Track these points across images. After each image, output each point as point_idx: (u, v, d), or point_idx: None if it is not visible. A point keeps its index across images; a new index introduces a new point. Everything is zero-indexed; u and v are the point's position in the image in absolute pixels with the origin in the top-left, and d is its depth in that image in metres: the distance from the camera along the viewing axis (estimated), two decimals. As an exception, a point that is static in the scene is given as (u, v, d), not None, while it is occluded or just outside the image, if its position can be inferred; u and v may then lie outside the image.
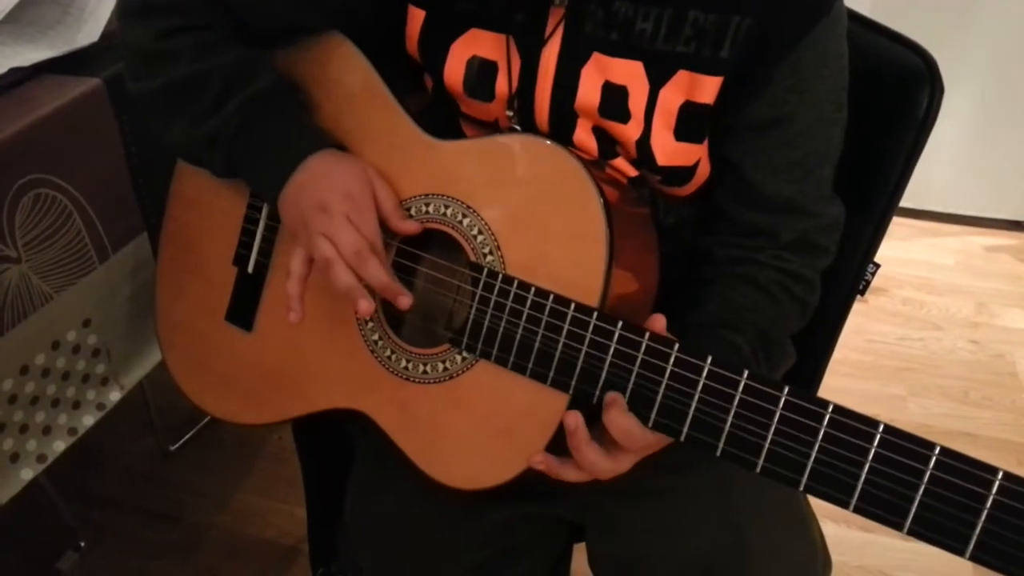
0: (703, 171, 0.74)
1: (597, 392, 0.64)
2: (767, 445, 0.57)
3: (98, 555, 1.40)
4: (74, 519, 1.42)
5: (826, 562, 0.77)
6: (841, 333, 0.89)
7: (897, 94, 0.78)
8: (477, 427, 0.70)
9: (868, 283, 0.84)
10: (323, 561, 1.14)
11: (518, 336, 0.67)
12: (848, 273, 0.83)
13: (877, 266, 0.84)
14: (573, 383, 0.65)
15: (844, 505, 0.55)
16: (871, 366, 1.85)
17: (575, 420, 0.63)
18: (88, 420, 0.99)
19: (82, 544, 1.40)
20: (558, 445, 0.66)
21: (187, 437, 1.59)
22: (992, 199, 2.26)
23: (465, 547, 0.79)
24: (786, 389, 0.57)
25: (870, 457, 0.54)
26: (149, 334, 1.03)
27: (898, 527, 0.54)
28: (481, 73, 0.74)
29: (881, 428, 0.54)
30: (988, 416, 1.73)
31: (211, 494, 1.51)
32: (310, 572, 1.26)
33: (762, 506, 0.74)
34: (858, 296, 0.85)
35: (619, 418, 0.62)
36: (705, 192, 0.76)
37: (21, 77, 0.94)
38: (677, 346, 0.60)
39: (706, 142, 0.72)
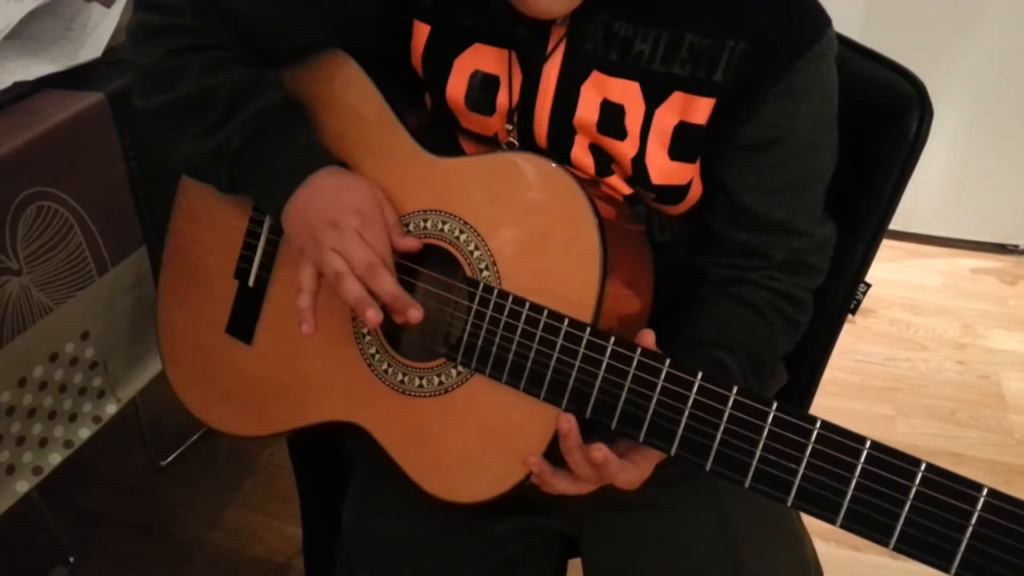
0: (696, 191, 0.76)
1: (589, 407, 0.65)
2: (755, 461, 0.58)
3: (88, 570, 1.39)
4: (64, 534, 1.41)
5: (818, 572, 0.77)
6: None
7: (888, 118, 0.80)
8: (471, 441, 0.71)
9: (859, 302, 0.85)
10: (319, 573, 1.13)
11: (512, 351, 0.68)
12: (839, 292, 0.85)
13: (868, 286, 0.85)
14: (565, 399, 0.66)
15: (831, 521, 0.56)
16: (859, 386, 1.87)
17: (568, 424, 0.63)
18: (84, 433, 0.99)
19: (71, 559, 1.40)
20: (552, 460, 0.67)
21: (178, 452, 1.59)
22: (978, 222, 2.29)
23: (463, 561, 0.79)
24: (775, 405, 0.57)
25: (857, 473, 0.55)
26: (146, 347, 1.05)
27: (883, 543, 0.54)
28: (483, 87, 0.76)
29: (868, 444, 0.55)
30: (975, 436, 1.74)
31: (202, 510, 1.50)
32: (301, 588, 1.27)
33: (756, 521, 0.75)
34: (848, 315, 0.86)
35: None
36: (698, 212, 0.77)
37: (24, 91, 0.94)
38: (668, 362, 0.61)
39: (699, 162, 0.73)
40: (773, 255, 0.75)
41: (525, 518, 0.79)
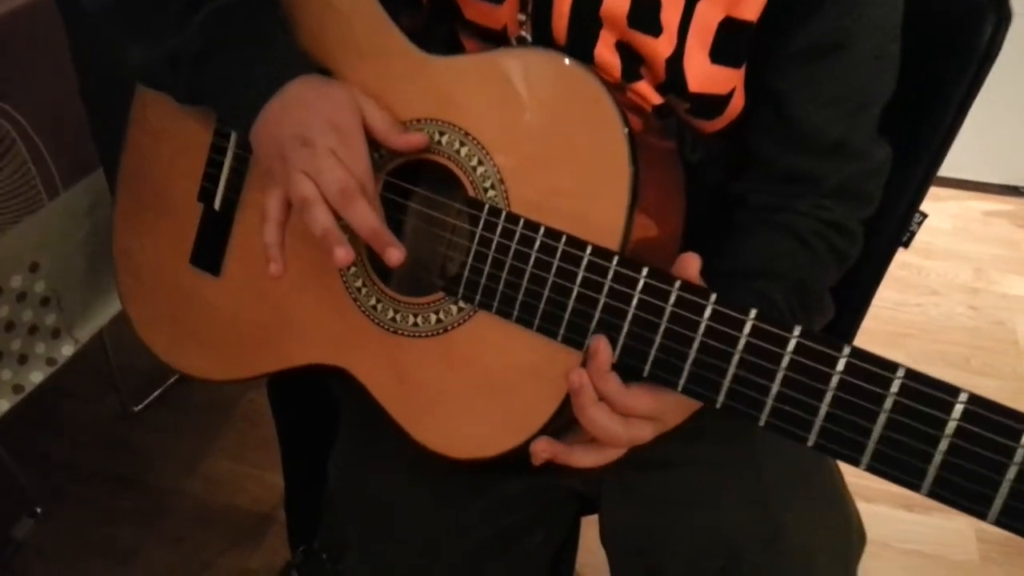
0: (737, 103, 0.69)
1: (617, 351, 0.57)
2: (822, 417, 0.50)
3: (56, 522, 1.36)
4: (30, 484, 1.38)
5: (861, 537, 0.73)
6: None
7: (955, 24, 0.73)
8: (475, 388, 0.65)
9: (913, 234, 0.79)
10: (304, 538, 1.09)
11: (523, 284, 0.61)
12: (892, 223, 0.79)
13: (924, 216, 0.79)
14: (588, 340, 0.58)
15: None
16: (869, 331, 1.81)
17: (579, 378, 0.57)
18: (36, 376, 0.94)
19: (39, 510, 1.37)
20: (569, 415, 0.60)
21: (152, 397, 1.56)
22: (990, 164, 2.26)
23: (465, 524, 0.74)
24: (846, 350, 0.50)
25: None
26: (106, 281, 0.99)
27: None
28: None
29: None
30: (990, 384, 1.72)
31: (178, 458, 1.48)
32: (285, 541, 1.23)
33: (794, 477, 0.70)
34: (900, 248, 0.81)
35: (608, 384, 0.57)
36: (737, 129, 0.71)
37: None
38: (714, 297, 0.54)
39: (744, 69, 0.67)
40: (823, 181, 0.69)
41: (537, 476, 0.72)
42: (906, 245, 0.80)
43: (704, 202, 0.69)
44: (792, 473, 0.70)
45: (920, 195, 0.78)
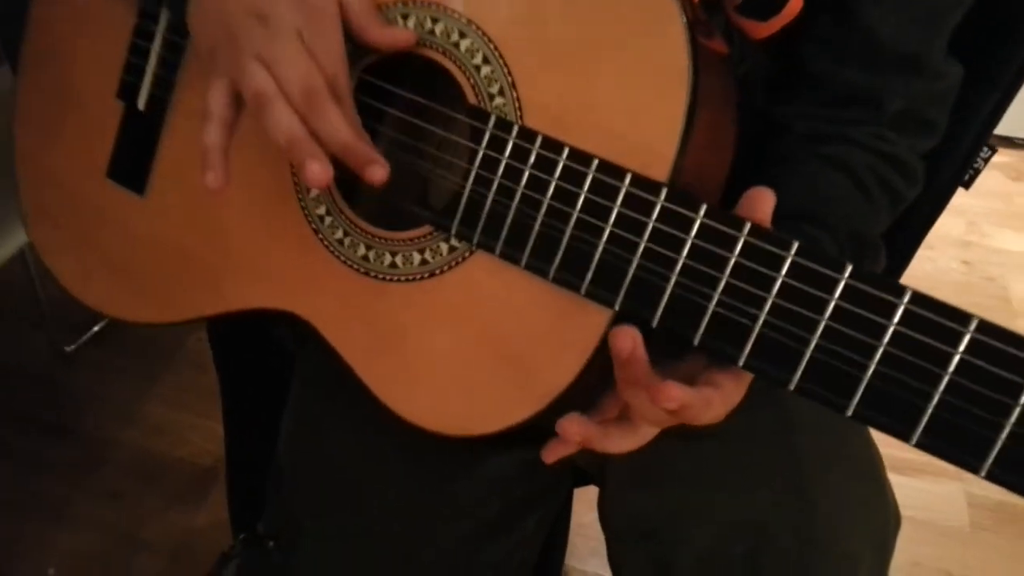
0: (795, 3, 0.59)
1: (658, 311, 0.46)
2: (937, 397, 0.40)
3: None
4: None
5: (897, 518, 0.68)
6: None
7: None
8: (468, 348, 0.55)
9: (977, 172, 0.71)
10: (247, 520, 0.98)
11: (538, 220, 0.49)
12: (956, 156, 0.71)
13: (993, 150, 0.71)
14: (621, 296, 0.47)
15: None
16: (860, 285, 1.86)
17: (629, 342, 0.44)
18: None
19: None
20: (588, 385, 0.51)
21: (87, 336, 1.51)
22: None
23: (448, 509, 0.66)
24: (975, 323, 0.41)
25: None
26: (11, 202, 0.84)
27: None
28: None
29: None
30: None
31: (116, 404, 1.44)
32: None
33: (832, 448, 0.64)
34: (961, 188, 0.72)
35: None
36: (786, 38, 0.62)
37: None
38: (796, 246, 0.42)
39: None
40: (886, 104, 0.61)
41: (533, 449, 0.63)
42: (967, 185, 0.71)
43: (748, 127, 0.59)
44: (829, 442, 0.64)
45: (993, 123, 0.70)
